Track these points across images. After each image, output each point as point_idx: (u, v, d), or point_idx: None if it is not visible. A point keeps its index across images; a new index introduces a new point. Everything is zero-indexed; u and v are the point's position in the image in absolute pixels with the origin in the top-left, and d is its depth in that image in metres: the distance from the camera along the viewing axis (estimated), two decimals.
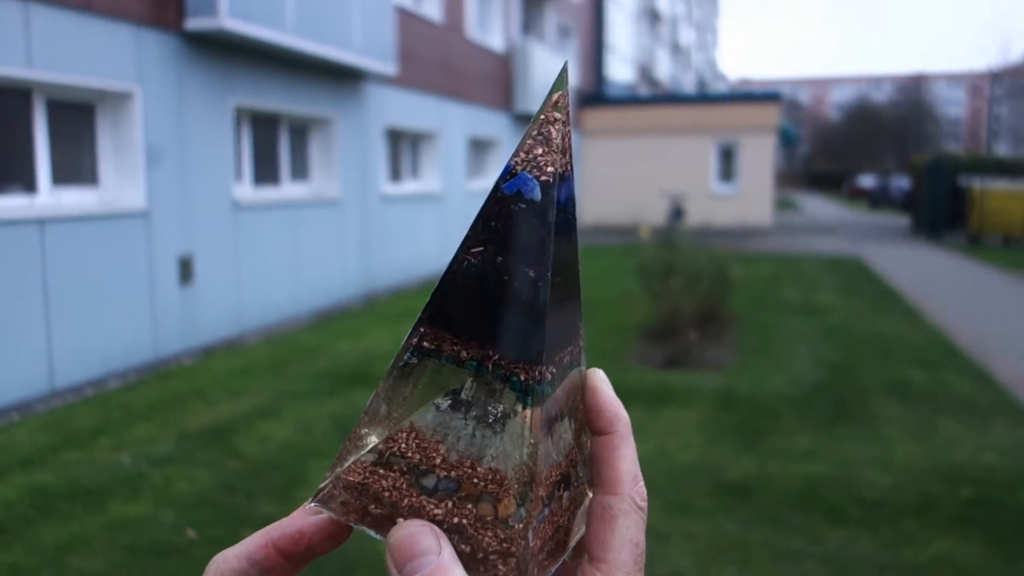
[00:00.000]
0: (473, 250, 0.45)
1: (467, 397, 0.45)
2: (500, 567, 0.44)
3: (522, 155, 0.45)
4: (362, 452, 0.47)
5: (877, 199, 43.63)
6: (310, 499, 0.48)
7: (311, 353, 8.16)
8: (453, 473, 0.45)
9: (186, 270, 7.86)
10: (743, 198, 23.68)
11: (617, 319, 9.74)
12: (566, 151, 0.46)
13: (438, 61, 14.07)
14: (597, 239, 21.37)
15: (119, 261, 7.12)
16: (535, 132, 0.46)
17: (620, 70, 29.57)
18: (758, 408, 6.43)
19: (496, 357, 0.44)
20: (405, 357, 0.47)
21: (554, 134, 0.45)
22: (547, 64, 19.10)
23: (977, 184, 21.81)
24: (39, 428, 5.75)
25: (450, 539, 0.44)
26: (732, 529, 4.26)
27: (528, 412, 0.44)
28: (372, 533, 0.46)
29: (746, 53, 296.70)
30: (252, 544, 0.50)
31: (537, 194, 0.44)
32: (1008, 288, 13.95)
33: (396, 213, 12.54)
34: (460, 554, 0.44)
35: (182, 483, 4.80)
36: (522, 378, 0.44)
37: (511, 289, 0.44)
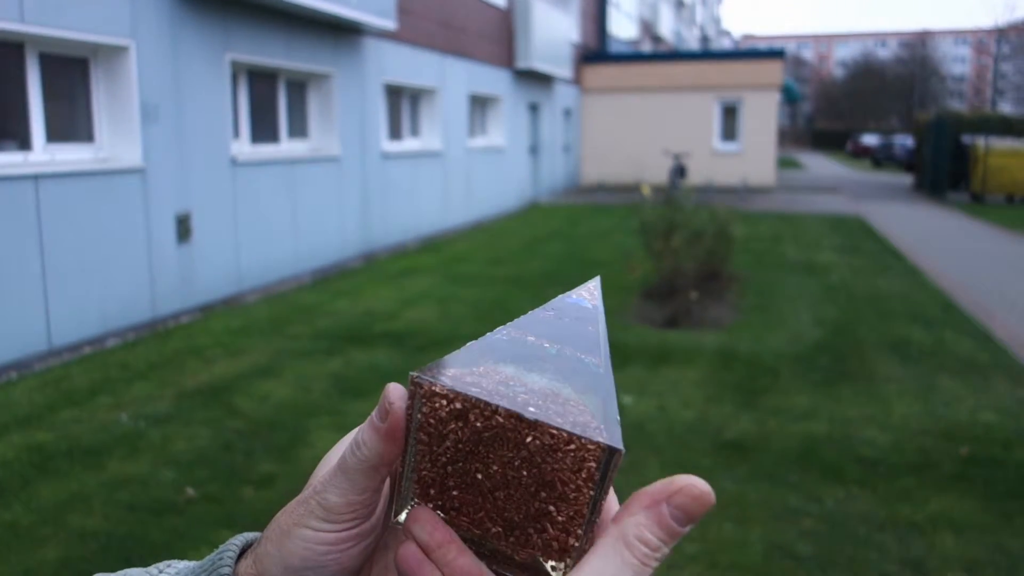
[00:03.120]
0: None
1: None
2: None
3: None
4: None
5: (880, 158, 43.38)
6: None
7: (310, 312, 8.14)
8: None
9: (184, 228, 7.81)
10: (745, 156, 23.52)
11: (618, 278, 9.71)
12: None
13: (438, 16, 13.88)
14: (598, 198, 21.28)
15: (116, 219, 7.06)
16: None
17: (623, 26, 29.21)
18: (758, 367, 6.42)
19: None
20: None
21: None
22: (549, 20, 18.86)
23: (981, 142, 21.64)
24: (37, 387, 5.75)
25: None
26: (730, 487, 4.27)
27: None
28: None
29: (751, 9, 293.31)
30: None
31: None
32: (1010, 247, 13.89)
33: (396, 171, 12.45)
34: None
35: (181, 442, 4.80)
36: None
37: None
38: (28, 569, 3.42)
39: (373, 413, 0.47)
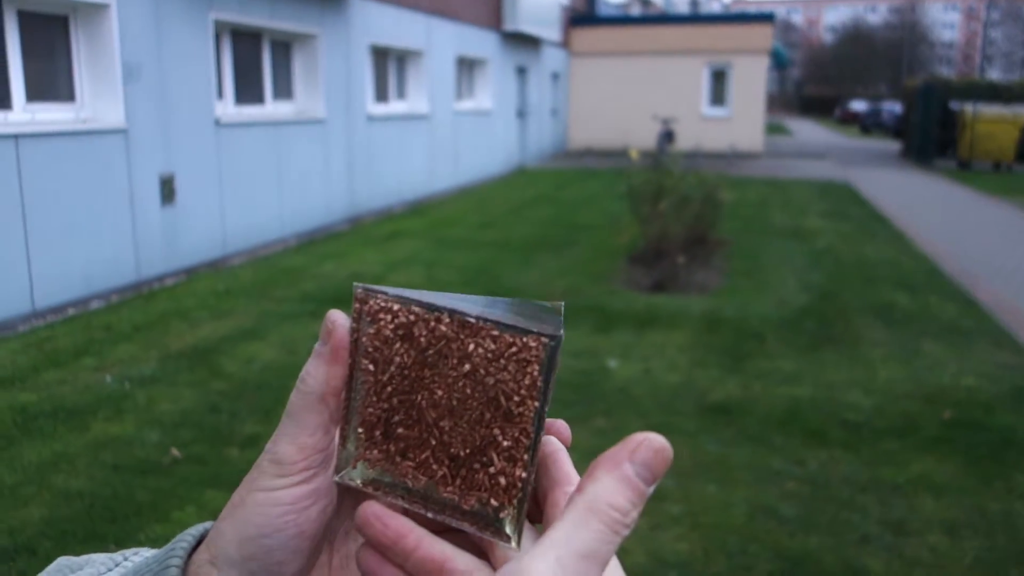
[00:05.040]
0: None
1: None
2: None
3: None
4: None
5: (868, 124, 43.39)
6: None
7: (295, 274, 8.11)
8: None
9: (167, 189, 7.73)
10: (734, 121, 23.45)
11: (605, 242, 9.71)
12: None
13: None
14: (586, 162, 21.20)
15: (98, 180, 6.98)
16: None
17: None
18: (743, 331, 6.44)
19: None
20: None
21: None
22: None
23: (969, 109, 21.62)
24: (20, 348, 5.71)
25: None
26: (715, 449, 4.29)
27: None
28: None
29: None
30: None
31: None
32: (996, 214, 13.94)
33: (382, 133, 12.35)
34: None
35: (166, 403, 4.78)
36: None
37: None
38: (12, 528, 3.41)
39: (317, 343, 0.45)
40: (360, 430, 0.45)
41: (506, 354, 0.42)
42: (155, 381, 5.12)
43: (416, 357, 0.43)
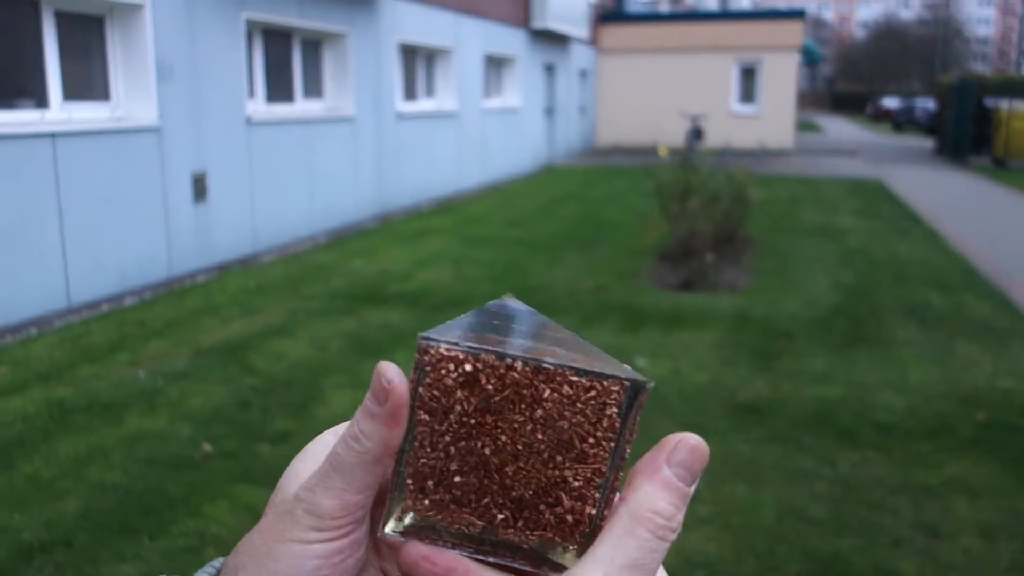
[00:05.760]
0: None
1: None
2: None
3: None
4: None
5: (901, 121, 42.87)
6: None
7: (325, 271, 8.16)
8: None
9: (200, 187, 7.81)
10: (764, 119, 23.28)
11: (633, 240, 9.68)
12: None
13: None
14: (614, 159, 21.14)
15: (132, 177, 7.07)
16: None
17: None
18: (773, 330, 6.40)
19: None
20: None
21: None
22: None
23: (1004, 105, 21.30)
24: (56, 343, 5.80)
25: None
26: (744, 449, 4.27)
27: None
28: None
29: None
30: None
31: None
32: None
33: (411, 131, 12.39)
34: None
35: (197, 398, 4.84)
36: None
37: None
38: (49, 520, 3.47)
39: (367, 399, 0.41)
40: (410, 481, 0.42)
41: (583, 398, 0.40)
42: (187, 377, 5.18)
43: (479, 404, 0.41)
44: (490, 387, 0.40)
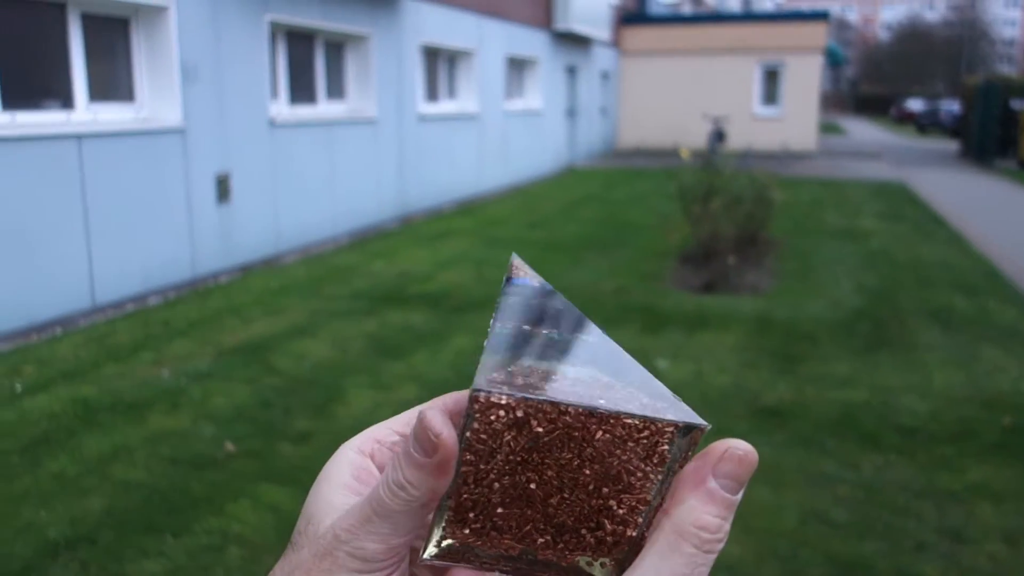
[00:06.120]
0: None
1: None
2: None
3: None
4: None
5: (925, 123, 42.51)
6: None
7: (347, 272, 8.19)
8: None
9: (223, 188, 7.87)
10: (787, 121, 23.16)
11: (655, 242, 9.66)
12: None
13: None
14: (636, 161, 21.10)
15: (157, 178, 7.13)
16: None
17: None
18: (795, 333, 6.36)
19: None
20: None
21: None
22: None
23: None
24: (81, 343, 5.86)
25: None
26: (766, 452, 4.25)
27: None
28: None
29: None
30: (420, 407, 0.47)
31: None
32: None
33: (432, 133, 12.42)
34: None
35: (220, 398, 4.87)
36: None
37: None
38: (74, 518, 3.50)
39: (411, 447, 0.40)
40: (451, 512, 0.42)
41: (635, 437, 0.40)
42: (210, 376, 5.21)
43: (527, 444, 0.40)
44: (540, 429, 0.40)
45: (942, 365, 5.66)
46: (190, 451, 4.17)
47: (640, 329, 6.37)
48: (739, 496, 0.39)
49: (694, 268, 8.26)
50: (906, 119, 51.02)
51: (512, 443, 0.40)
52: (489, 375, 0.40)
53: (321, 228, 9.60)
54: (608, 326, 6.39)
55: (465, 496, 0.41)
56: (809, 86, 23.07)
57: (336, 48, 10.42)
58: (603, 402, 0.40)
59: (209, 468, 4.00)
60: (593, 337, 0.44)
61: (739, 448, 0.39)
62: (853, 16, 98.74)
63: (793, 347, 6.02)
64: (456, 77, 14.02)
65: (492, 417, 0.39)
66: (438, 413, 0.40)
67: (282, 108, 9.19)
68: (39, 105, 6.44)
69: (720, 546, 0.38)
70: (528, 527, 0.42)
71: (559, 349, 0.43)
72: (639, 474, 0.40)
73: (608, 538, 0.42)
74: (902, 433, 4.53)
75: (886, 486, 3.92)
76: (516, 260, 0.50)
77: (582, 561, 0.42)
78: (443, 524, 0.42)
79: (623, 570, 0.42)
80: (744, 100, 23.27)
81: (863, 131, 42.29)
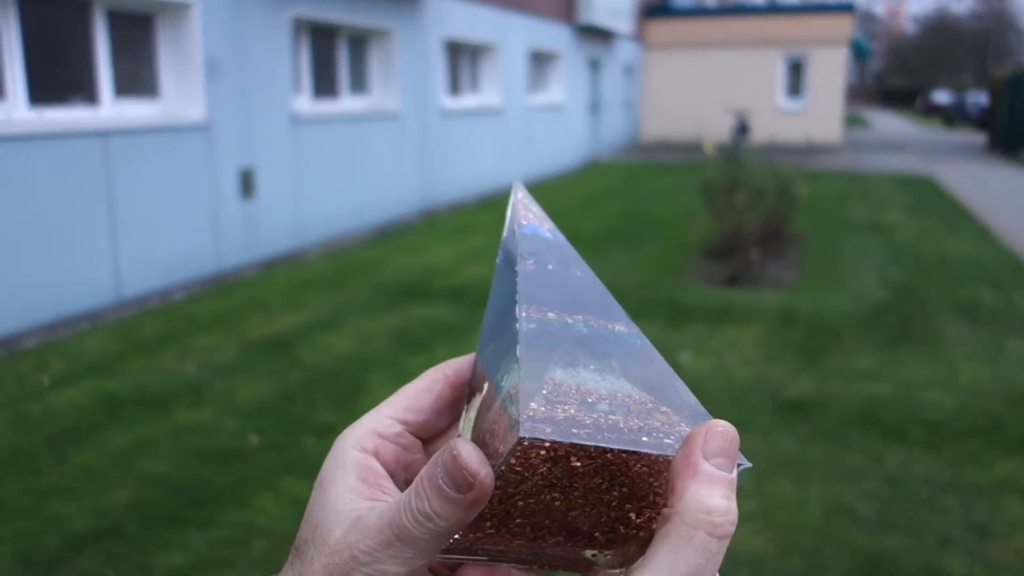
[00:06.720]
0: None
1: None
2: None
3: None
4: None
5: (952, 116, 42.03)
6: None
7: (371, 267, 8.22)
8: None
9: (247, 183, 7.92)
10: (811, 114, 22.98)
11: (679, 236, 9.62)
12: None
13: None
14: (659, 155, 21.01)
15: (181, 174, 7.19)
16: None
17: None
18: (819, 327, 6.32)
19: None
20: None
21: None
22: None
23: None
24: (107, 336, 5.92)
25: None
26: (790, 446, 4.23)
27: None
28: None
29: None
30: (415, 388, 0.49)
31: None
32: None
33: (455, 127, 12.43)
34: None
35: (244, 391, 4.90)
36: None
37: None
38: (100, 510, 3.54)
39: (441, 479, 0.39)
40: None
41: (671, 469, 0.39)
42: (234, 370, 5.25)
43: (560, 474, 0.39)
44: (578, 464, 0.39)
45: (968, 359, 5.60)
46: (214, 444, 4.21)
47: (664, 323, 6.35)
48: (735, 475, 0.38)
49: (718, 262, 8.23)
50: (932, 111, 50.48)
51: (546, 472, 0.39)
52: (528, 409, 0.38)
53: (344, 222, 9.64)
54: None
55: (487, 511, 0.40)
56: (834, 79, 22.88)
57: (359, 43, 10.45)
58: (646, 439, 0.39)
59: (233, 461, 4.03)
60: (621, 326, 0.44)
61: (717, 425, 0.38)
62: (879, 8, 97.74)
63: (817, 341, 5.98)
64: (479, 71, 14.02)
65: (532, 455, 0.38)
66: (474, 450, 0.38)
67: (305, 103, 9.23)
68: (65, 102, 6.51)
69: (731, 529, 0.37)
70: (543, 532, 0.42)
71: (590, 351, 0.42)
72: (663, 492, 0.40)
73: (619, 539, 0.42)
74: (927, 427, 4.48)
75: (911, 480, 3.88)
76: (521, 192, 0.49)
77: (587, 552, 0.43)
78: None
79: (628, 561, 0.42)
80: (768, 93, 23.12)
81: (888, 124, 41.88)
